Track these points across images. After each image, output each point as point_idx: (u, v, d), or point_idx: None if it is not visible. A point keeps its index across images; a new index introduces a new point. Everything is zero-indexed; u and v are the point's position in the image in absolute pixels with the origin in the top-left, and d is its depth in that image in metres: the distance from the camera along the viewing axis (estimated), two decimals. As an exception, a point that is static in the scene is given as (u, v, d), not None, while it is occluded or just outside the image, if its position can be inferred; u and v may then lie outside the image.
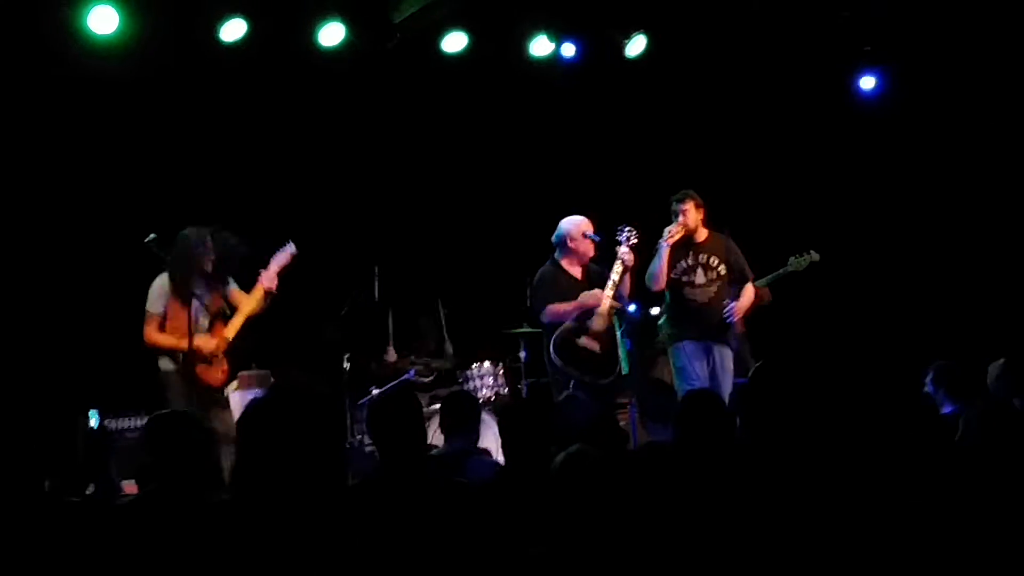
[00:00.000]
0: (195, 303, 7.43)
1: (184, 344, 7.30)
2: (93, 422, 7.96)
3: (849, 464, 4.28)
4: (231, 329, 7.51)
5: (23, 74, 8.46)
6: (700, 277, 8.06)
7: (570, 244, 8.02)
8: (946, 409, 6.18)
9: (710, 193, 9.56)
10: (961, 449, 4.87)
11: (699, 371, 7.91)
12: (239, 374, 8.24)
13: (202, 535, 3.82)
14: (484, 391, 9.04)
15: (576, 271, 8.09)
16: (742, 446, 4.71)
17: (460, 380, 9.10)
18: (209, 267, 7.46)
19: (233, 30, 8.49)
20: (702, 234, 8.13)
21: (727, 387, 7.79)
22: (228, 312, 7.46)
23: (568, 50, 9.55)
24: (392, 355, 9.45)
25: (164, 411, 4.67)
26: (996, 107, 10.16)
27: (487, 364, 9.12)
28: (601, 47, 9.66)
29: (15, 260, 8.72)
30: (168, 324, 7.49)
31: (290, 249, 7.64)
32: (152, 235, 7.39)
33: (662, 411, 5.97)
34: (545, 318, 7.97)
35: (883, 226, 10.56)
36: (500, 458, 5.42)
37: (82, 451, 7.57)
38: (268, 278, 7.50)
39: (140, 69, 8.54)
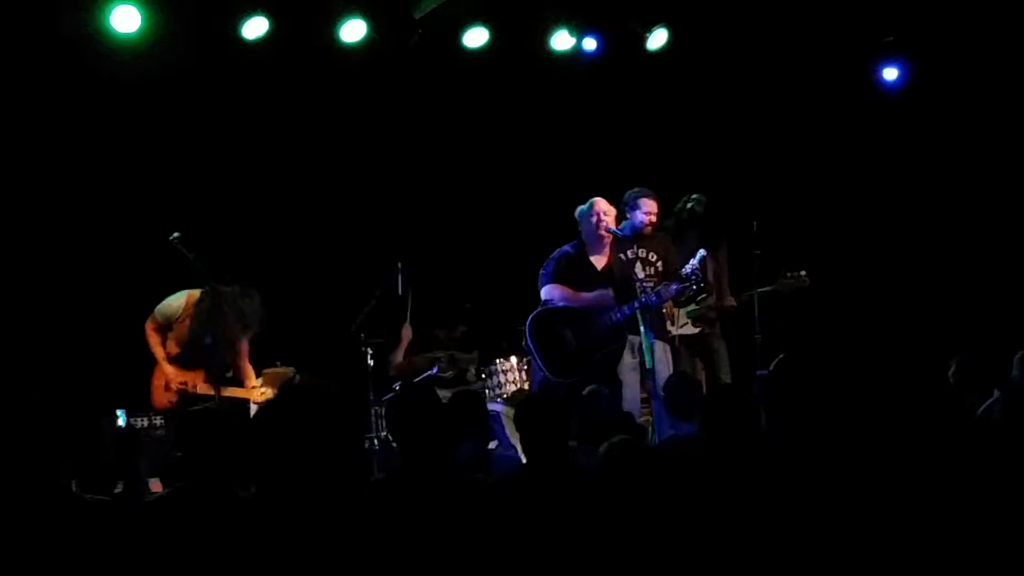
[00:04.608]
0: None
1: (161, 356, 7.49)
2: (120, 421, 8.01)
3: (874, 455, 4.28)
4: (204, 386, 7.62)
5: (46, 73, 8.52)
6: (639, 271, 8.00)
7: (581, 229, 7.97)
8: (970, 400, 6.16)
9: (732, 187, 9.53)
10: (984, 439, 4.87)
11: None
12: (263, 371, 8.27)
13: (230, 532, 3.86)
14: (508, 387, 9.01)
15: (599, 260, 7.99)
16: (767, 440, 4.71)
17: (483, 376, 9.09)
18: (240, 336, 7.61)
19: (255, 27, 8.54)
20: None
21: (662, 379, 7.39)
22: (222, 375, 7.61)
23: (589, 44, 9.54)
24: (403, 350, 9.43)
25: (196, 408, 4.73)
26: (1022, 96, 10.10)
27: (512, 360, 9.09)
28: (622, 41, 9.65)
29: (42, 260, 8.77)
30: (171, 335, 7.62)
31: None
32: (176, 233, 7.44)
33: (687, 405, 5.96)
34: (545, 294, 7.89)
35: (907, 218, 10.50)
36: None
37: (111, 450, 7.63)
38: (258, 395, 7.66)
39: (162, 67, 8.58)
